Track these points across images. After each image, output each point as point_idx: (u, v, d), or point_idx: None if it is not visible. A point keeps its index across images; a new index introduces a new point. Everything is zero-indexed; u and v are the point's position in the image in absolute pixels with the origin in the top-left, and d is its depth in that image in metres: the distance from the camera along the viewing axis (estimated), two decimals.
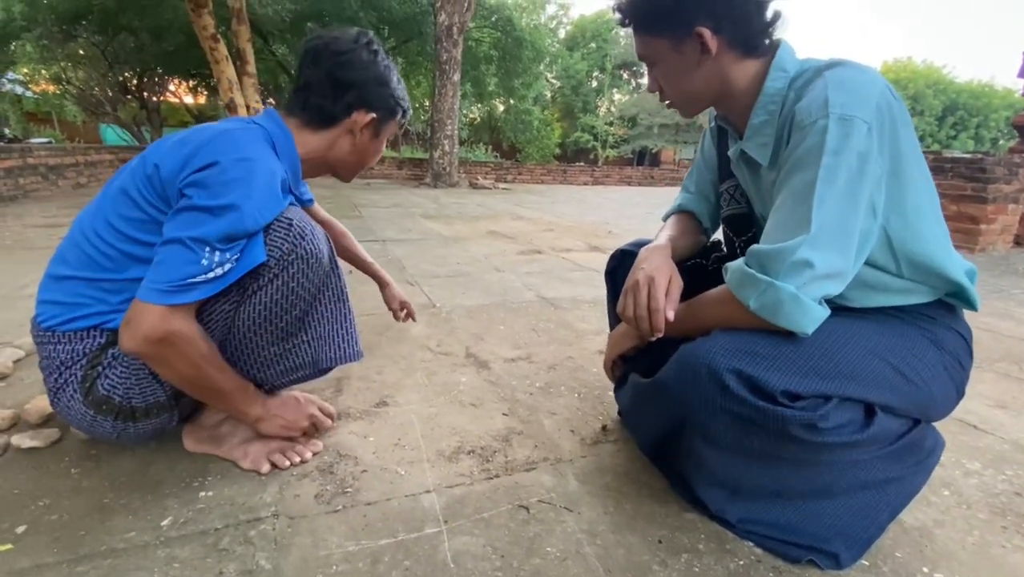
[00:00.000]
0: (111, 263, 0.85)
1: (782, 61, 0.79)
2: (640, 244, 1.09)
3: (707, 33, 0.76)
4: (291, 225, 0.86)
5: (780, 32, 0.80)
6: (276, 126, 0.94)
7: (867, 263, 0.75)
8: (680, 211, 1.10)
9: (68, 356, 0.86)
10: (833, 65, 0.74)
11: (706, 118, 1.08)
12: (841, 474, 0.76)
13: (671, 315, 0.80)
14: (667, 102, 0.88)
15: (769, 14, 0.78)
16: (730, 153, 0.92)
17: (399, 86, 1.01)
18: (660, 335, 0.83)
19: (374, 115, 0.97)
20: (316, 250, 0.89)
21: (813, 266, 0.67)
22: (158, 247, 0.78)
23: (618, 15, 0.85)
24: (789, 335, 0.73)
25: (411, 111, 1.08)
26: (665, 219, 1.12)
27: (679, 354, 0.78)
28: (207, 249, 0.76)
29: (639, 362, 1.01)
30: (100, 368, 0.86)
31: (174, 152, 0.82)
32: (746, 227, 0.98)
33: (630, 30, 0.85)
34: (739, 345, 0.73)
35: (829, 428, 0.70)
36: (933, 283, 0.80)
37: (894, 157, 0.71)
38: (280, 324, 0.90)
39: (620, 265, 1.11)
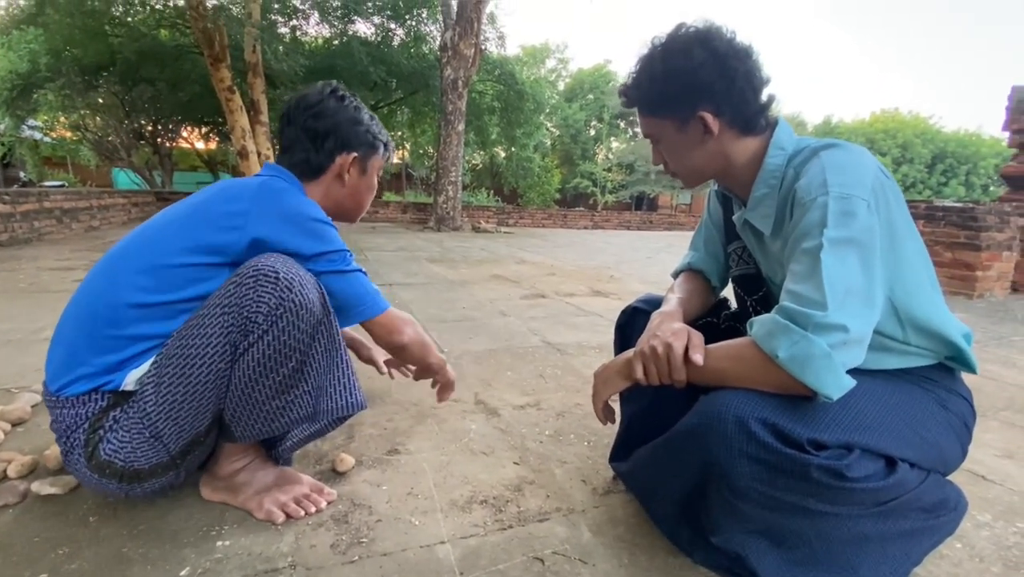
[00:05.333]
0: (119, 319, 0.87)
1: (780, 140, 0.87)
2: (651, 300, 1.12)
3: (709, 116, 0.84)
4: (277, 278, 0.84)
5: (775, 111, 0.88)
6: (289, 180, 1.03)
7: (875, 330, 0.76)
8: (689, 269, 1.14)
9: (72, 420, 0.87)
10: (828, 146, 0.81)
11: None
12: (874, 523, 0.76)
13: (700, 360, 0.80)
14: (671, 174, 0.95)
15: (764, 97, 0.86)
16: (735, 219, 0.98)
17: (372, 123, 1.10)
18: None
19: (355, 154, 1.07)
20: (306, 300, 0.86)
21: (848, 330, 0.68)
22: (330, 277, 0.97)
23: (624, 99, 0.92)
24: (805, 398, 0.73)
25: (391, 144, 1.17)
26: (675, 275, 1.16)
27: (702, 404, 0.79)
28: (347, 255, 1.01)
29: (632, 402, 1.05)
30: (101, 432, 0.86)
31: (230, 218, 0.91)
32: (756, 287, 1.02)
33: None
34: (763, 396, 0.74)
35: (855, 477, 0.71)
36: (935, 347, 0.84)
37: (891, 232, 0.77)
38: (277, 378, 0.88)
39: (629, 322, 1.14)
